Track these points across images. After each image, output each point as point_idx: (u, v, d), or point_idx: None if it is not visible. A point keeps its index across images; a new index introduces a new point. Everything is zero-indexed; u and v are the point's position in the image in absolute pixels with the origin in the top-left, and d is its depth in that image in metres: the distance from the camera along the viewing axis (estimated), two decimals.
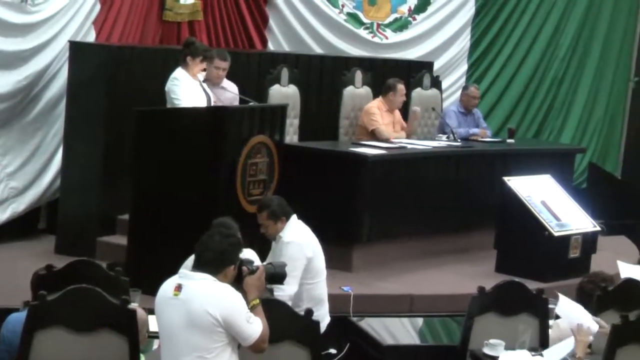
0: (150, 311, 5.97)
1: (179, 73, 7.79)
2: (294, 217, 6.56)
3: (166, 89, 7.77)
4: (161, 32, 9.93)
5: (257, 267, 4.86)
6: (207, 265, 4.65)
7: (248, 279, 4.78)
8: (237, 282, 4.75)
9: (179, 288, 4.62)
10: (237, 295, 4.63)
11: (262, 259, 6.35)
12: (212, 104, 8.00)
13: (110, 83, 8.44)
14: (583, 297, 6.16)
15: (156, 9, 9.80)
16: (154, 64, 8.71)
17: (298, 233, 6.50)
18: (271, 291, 5.95)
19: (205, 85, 8.03)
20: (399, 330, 7.03)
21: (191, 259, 6.13)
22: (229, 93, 8.42)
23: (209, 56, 7.97)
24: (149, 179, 7.50)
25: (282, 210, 6.51)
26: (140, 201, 7.56)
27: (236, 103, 8.33)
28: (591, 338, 5.34)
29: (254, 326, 4.62)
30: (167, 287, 4.70)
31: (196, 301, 4.55)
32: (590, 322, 5.43)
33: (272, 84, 9.22)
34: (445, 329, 7.05)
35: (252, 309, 4.68)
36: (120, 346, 4.79)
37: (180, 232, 7.14)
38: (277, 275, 5.10)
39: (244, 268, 4.81)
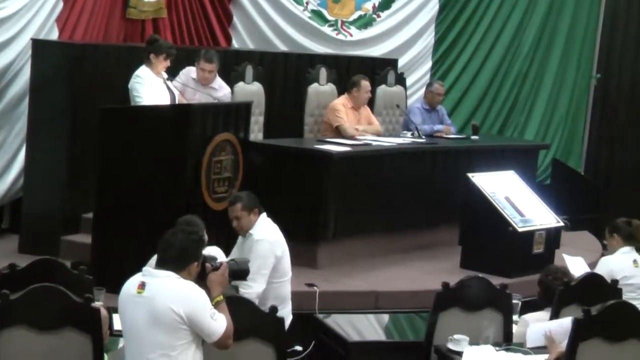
0: (116, 309, 5.96)
1: (142, 71, 7.76)
2: (264, 214, 6.56)
3: (129, 86, 7.75)
4: (125, 30, 9.87)
5: (221, 264, 4.85)
6: (170, 262, 4.63)
7: (211, 275, 4.77)
8: (201, 280, 4.74)
9: (142, 286, 4.60)
10: (200, 292, 4.62)
11: (228, 255, 6.34)
12: (177, 101, 7.99)
13: (73, 81, 8.36)
14: (547, 293, 6.20)
15: (120, 7, 9.73)
16: (117, 62, 8.65)
17: (268, 231, 6.49)
18: (236, 288, 5.94)
19: (169, 82, 8.01)
20: (365, 327, 7.03)
21: (156, 257, 6.14)
22: (218, 93, 8.51)
23: (172, 53, 7.95)
24: (113, 178, 7.45)
25: (254, 202, 6.51)
26: (105, 200, 7.52)
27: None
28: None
29: (218, 323, 4.61)
30: (131, 284, 4.68)
31: (160, 299, 4.54)
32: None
33: (237, 81, 9.20)
34: (410, 325, 7.06)
35: (215, 305, 4.67)
36: (83, 344, 4.75)
37: (145, 231, 7.10)
38: (240, 272, 5.10)
39: (207, 265, 4.80)
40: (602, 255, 7.34)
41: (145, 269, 4.71)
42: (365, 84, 9.62)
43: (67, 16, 9.10)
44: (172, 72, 8.30)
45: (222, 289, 4.78)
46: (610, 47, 12.20)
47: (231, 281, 5.08)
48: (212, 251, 6.21)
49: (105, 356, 4.86)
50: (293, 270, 6.72)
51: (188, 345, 4.58)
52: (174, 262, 4.63)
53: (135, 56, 8.24)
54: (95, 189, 7.59)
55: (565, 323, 5.43)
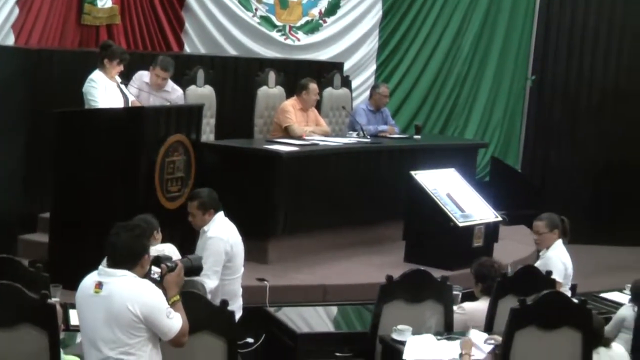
0: (73, 305, 5.91)
1: (96, 75, 7.71)
2: (221, 213, 6.52)
3: (83, 90, 7.69)
4: (80, 36, 9.80)
5: (176, 264, 4.81)
6: (122, 263, 4.59)
7: (167, 276, 4.72)
8: (158, 282, 4.70)
9: (99, 285, 4.56)
10: (157, 292, 4.58)
11: (182, 253, 6.31)
12: (130, 104, 7.94)
13: (30, 85, 8.31)
14: (487, 281, 6.24)
15: (75, 13, 9.66)
16: (73, 67, 8.59)
17: (222, 229, 6.46)
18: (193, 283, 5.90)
19: (122, 86, 7.97)
20: (313, 319, 7.03)
21: None
22: (172, 96, 8.51)
23: (125, 58, 7.90)
24: (70, 178, 7.39)
25: (211, 202, 6.47)
26: (61, 199, 7.46)
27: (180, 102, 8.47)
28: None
29: (174, 321, 4.58)
30: (88, 283, 4.64)
31: (117, 298, 4.50)
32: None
33: (189, 84, 9.16)
34: (357, 316, 7.07)
35: (172, 305, 4.64)
36: (40, 340, 4.70)
37: (101, 229, 6.94)
38: (194, 269, 5.07)
39: (163, 266, 4.75)
40: (539, 250, 7.33)
41: (101, 268, 4.66)
42: (314, 87, 9.62)
43: (23, 22, 9.02)
44: (126, 77, 8.25)
45: (178, 289, 4.74)
46: (545, 50, 12.31)
47: (186, 278, 5.04)
48: (167, 248, 6.20)
49: (62, 351, 4.81)
50: (245, 265, 6.70)
51: (145, 342, 4.55)
52: (125, 261, 4.59)
53: (90, 61, 8.17)
54: (51, 189, 7.52)
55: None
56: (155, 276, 4.73)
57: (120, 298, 4.49)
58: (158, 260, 4.76)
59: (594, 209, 12.00)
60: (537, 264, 6.87)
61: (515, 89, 12.43)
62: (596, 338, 5.54)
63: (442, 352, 5.45)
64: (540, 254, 7.14)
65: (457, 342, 5.47)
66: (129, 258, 4.60)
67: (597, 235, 11.58)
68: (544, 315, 5.19)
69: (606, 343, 5.61)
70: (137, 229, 4.75)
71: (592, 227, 11.69)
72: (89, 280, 4.64)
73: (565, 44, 12.25)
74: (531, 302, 5.17)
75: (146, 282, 4.60)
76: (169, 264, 4.77)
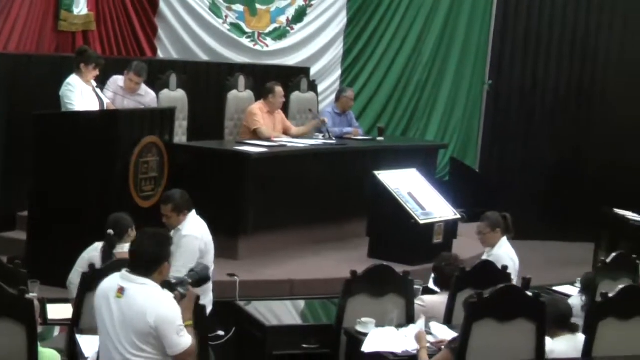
0: (50, 300, 5.89)
1: (72, 79, 7.69)
2: (194, 212, 6.51)
3: (60, 94, 7.66)
4: (57, 41, 9.73)
5: (188, 290, 4.74)
6: (142, 269, 4.56)
7: (180, 304, 4.66)
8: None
9: (121, 291, 4.54)
10: (174, 306, 4.57)
11: None
12: (106, 107, 7.92)
13: (9, 89, 8.26)
14: (443, 279, 6.28)
15: (51, 20, 9.61)
16: (50, 71, 8.55)
17: (195, 228, 6.45)
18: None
19: (98, 90, 7.94)
20: (282, 312, 7.02)
21: (89, 250, 6.08)
22: (145, 99, 8.48)
23: (101, 63, 7.88)
24: (47, 178, 7.37)
25: (184, 204, 6.45)
26: (39, 198, 7.42)
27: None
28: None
29: (183, 339, 4.56)
30: (110, 286, 4.62)
31: (137, 306, 4.49)
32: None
33: (162, 88, 9.13)
34: (323, 310, 7.07)
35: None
36: (18, 334, 4.66)
37: (77, 227, 7.04)
38: (201, 280, 5.02)
39: (176, 293, 4.68)
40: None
41: (124, 272, 4.61)
42: (279, 90, 9.62)
43: (2, 29, 8.96)
44: (101, 81, 8.21)
45: (191, 314, 4.70)
46: (501, 56, 12.36)
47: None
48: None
49: (39, 345, 4.77)
50: (215, 261, 6.69)
51: (160, 348, 4.54)
52: (146, 267, 4.57)
53: (67, 66, 8.14)
54: (30, 189, 7.47)
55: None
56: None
57: (141, 306, 4.49)
58: (170, 286, 4.70)
59: (547, 207, 12.08)
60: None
61: (473, 93, 12.48)
62: (565, 322, 5.58)
63: (401, 344, 5.46)
64: (486, 252, 7.12)
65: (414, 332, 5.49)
66: (149, 265, 4.57)
67: (550, 232, 11.66)
68: (500, 308, 5.21)
69: (574, 329, 5.64)
70: (160, 237, 4.72)
71: (546, 224, 11.78)
72: (112, 283, 4.62)
73: (520, 50, 12.33)
74: (488, 295, 5.19)
75: (167, 294, 4.59)
76: (181, 290, 4.71)
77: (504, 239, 7.04)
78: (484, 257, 6.94)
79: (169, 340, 4.53)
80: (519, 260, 7.04)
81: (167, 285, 4.67)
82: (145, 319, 4.47)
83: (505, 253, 6.93)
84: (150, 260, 4.58)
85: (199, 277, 4.96)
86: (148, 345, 4.53)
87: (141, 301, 4.50)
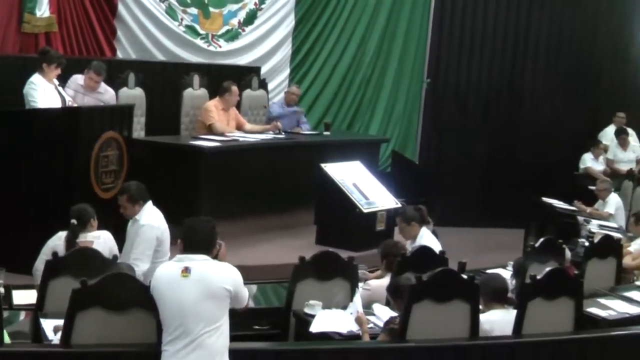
0: (15, 286, 5.82)
1: (35, 78, 7.61)
2: (150, 202, 6.47)
3: (24, 92, 7.58)
4: (20, 43, 9.62)
5: (220, 244, 5.05)
6: (201, 246, 4.62)
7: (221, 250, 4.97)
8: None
9: (187, 270, 4.53)
10: (236, 270, 4.68)
11: (117, 239, 6.27)
12: (67, 104, 7.84)
13: None
14: (388, 263, 6.32)
15: (15, 22, 9.50)
16: (14, 71, 8.45)
17: (152, 217, 6.42)
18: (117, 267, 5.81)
19: (60, 88, 7.86)
20: None
21: (53, 239, 6.02)
22: (105, 96, 8.39)
23: (62, 63, 7.81)
24: (12, 172, 7.28)
25: (139, 194, 6.41)
26: (3, 191, 7.33)
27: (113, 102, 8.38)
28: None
29: (246, 289, 4.71)
30: (171, 269, 4.59)
31: (211, 278, 4.52)
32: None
33: (121, 86, 9.07)
34: (274, 293, 7.09)
35: None
36: None
37: (41, 218, 6.98)
38: None
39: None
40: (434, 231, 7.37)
41: (180, 256, 4.62)
42: (235, 89, 9.62)
43: None
44: (63, 79, 8.13)
45: None
46: (438, 56, 12.44)
47: None
48: (102, 235, 6.16)
49: (5, 331, 4.71)
50: (171, 249, 6.65)
51: (226, 313, 4.59)
52: (204, 245, 4.64)
53: (30, 65, 8.06)
54: None
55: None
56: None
57: (215, 278, 4.53)
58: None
59: (481, 195, 12.21)
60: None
61: (413, 90, 12.55)
62: (501, 296, 5.64)
63: (346, 325, 5.51)
64: (408, 244, 6.99)
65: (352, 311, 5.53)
66: (206, 243, 4.66)
67: (484, 219, 11.79)
68: (438, 290, 5.27)
69: (510, 302, 5.72)
70: (210, 220, 4.82)
71: (480, 212, 11.91)
72: (171, 268, 4.61)
73: (455, 50, 12.43)
74: (426, 279, 5.24)
75: (226, 263, 4.71)
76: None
77: (424, 230, 7.02)
78: (408, 250, 6.79)
79: (242, 295, 4.65)
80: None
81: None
82: (222, 285, 4.52)
83: (429, 243, 6.86)
84: (210, 239, 4.69)
85: None
86: (223, 311, 4.54)
87: (212, 272, 4.55)
